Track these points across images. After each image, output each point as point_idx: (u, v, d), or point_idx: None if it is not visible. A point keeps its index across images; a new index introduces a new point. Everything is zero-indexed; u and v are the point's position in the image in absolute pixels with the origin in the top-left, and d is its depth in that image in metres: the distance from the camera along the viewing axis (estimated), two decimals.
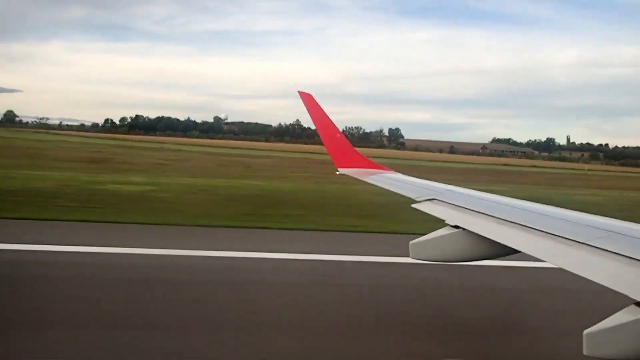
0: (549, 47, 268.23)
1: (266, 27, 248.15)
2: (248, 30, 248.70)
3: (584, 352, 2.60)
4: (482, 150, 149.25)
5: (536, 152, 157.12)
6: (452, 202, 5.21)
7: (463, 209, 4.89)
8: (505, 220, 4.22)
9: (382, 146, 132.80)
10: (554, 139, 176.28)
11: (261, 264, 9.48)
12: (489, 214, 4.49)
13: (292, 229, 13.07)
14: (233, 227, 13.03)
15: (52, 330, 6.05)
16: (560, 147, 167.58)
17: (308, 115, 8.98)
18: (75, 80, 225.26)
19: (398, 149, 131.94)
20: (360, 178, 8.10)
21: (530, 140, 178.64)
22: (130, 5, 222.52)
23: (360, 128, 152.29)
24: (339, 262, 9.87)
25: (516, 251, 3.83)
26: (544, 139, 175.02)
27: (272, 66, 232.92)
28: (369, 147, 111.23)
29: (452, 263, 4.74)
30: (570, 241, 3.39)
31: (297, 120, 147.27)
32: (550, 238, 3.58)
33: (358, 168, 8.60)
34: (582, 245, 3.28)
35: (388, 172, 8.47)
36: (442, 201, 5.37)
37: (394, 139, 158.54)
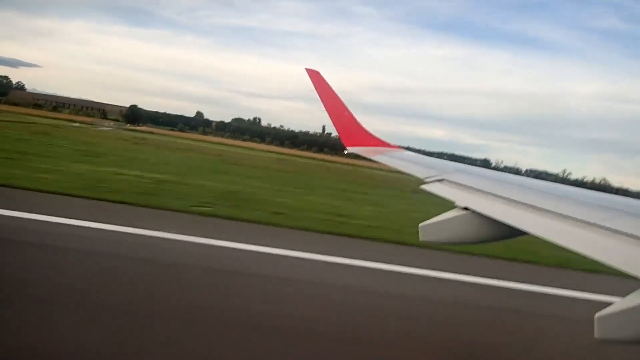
0: (572, 76, 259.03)
1: (287, 28, 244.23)
2: (269, 29, 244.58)
3: (595, 335, 2.56)
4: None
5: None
6: (461, 183, 5.13)
7: (473, 190, 4.81)
8: (516, 201, 4.16)
9: None
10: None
11: None
12: (499, 194, 4.41)
13: None
14: None
15: None
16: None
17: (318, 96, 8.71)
18: (92, 61, 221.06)
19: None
20: (369, 157, 7.93)
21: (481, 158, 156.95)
22: None
23: None
24: None
25: (526, 233, 3.76)
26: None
27: (289, 68, 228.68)
28: None
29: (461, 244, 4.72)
30: (583, 222, 3.31)
31: None
32: (562, 219, 3.50)
33: (367, 146, 8.42)
34: (594, 226, 3.21)
35: (397, 150, 8.32)
36: (451, 182, 5.28)
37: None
